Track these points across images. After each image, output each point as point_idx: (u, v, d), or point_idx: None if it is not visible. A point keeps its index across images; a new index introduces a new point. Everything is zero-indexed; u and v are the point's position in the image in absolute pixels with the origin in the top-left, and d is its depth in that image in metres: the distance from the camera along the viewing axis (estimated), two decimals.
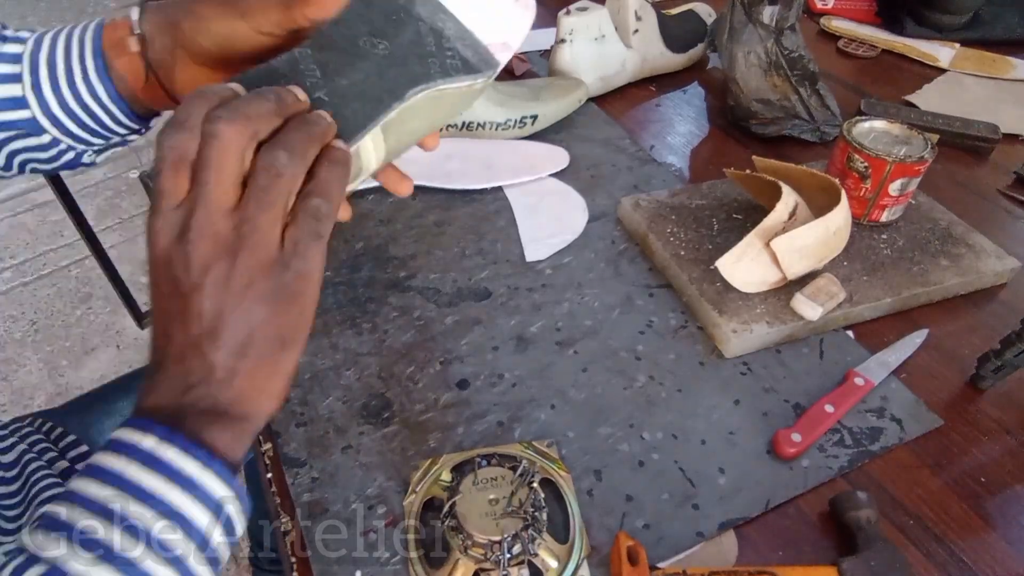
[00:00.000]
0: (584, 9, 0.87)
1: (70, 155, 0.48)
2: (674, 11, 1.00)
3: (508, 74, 0.95)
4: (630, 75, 0.95)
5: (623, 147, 0.84)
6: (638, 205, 0.70)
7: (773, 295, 0.60)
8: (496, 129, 0.80)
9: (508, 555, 0.41)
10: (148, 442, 0.28)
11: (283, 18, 0.37)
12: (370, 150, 0.45)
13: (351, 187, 0.45)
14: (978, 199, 0.78)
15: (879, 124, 0.69)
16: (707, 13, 1.02)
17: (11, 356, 1.72)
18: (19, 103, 0.44)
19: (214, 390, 0.30)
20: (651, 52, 0.95)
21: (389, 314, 0.61)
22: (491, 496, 0.43)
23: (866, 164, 0.65)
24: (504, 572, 0.41)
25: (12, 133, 0.45)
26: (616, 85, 0.94)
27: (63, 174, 1.72)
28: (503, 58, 0.51)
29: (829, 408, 0.52)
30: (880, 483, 0.49)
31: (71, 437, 0.67)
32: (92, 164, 0.50)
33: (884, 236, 0.68)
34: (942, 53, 1.07)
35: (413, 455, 0.50)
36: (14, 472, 0.59)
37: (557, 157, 0.80)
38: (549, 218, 0.72)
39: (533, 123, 0.82)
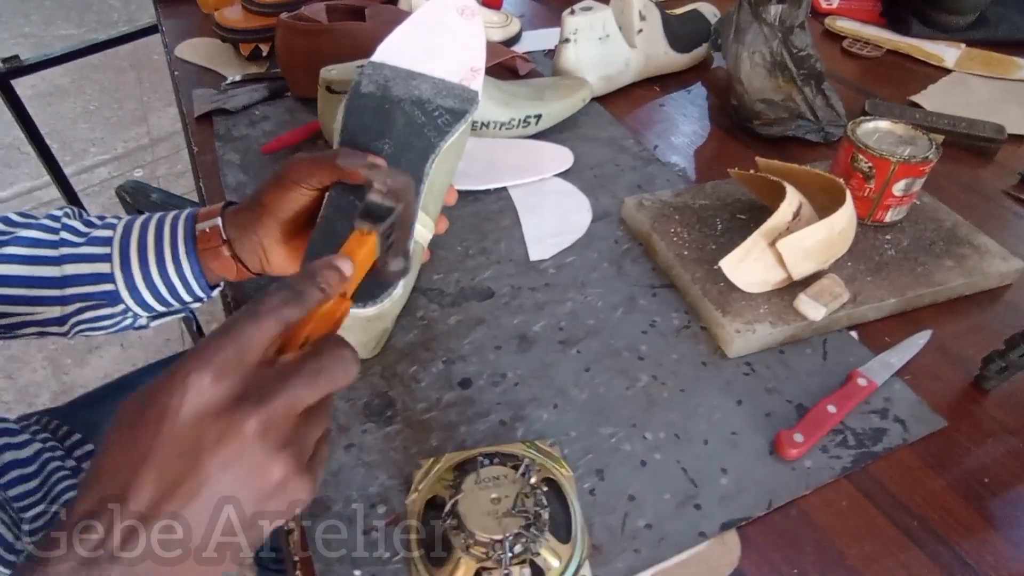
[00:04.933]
0: (588, 9, 0.87)
1: (129, 321, 0.55)
2: (678, 11, 1.00)
3: (512, 74, 0.95)
4: (634, 75, 0.94)
5: (627, 147, 0.84)
6: (642, 205, 0.70)
7: (776, 295, 0.60)
8: (500, 129, 0.80)
9: (510, 554, 0.41)
10: None
11: (315, 177, 0.48)
12: (422, 230, 0.49)
13: (423, 261, 0.55)
14: (983, 200, 0.78)
15: (884, 124, 0.69)
16: (711, 13, 1.01)
17: (16, 354, 1.73)
18: (105, 278, 0.52)
19: None
20: (655, 52, 0.94)
21: None
22: (493, 495, 0.43)
23: (870, 164, 0.65)
24: (506, 571, 0.41)
25: (89, 303, 0.52)
26: (620, 85, 0.94)
27: (66, 172, 1.73)
28: (477, 83, 0.53)
29: (831, 409, 0.52)
30: (883, 484, 0.49)
31: (77, 436, 0.67)
32: (145, 327, 0.58)
33: (888, 236, 0.67)
34: (947, 53, 1.07)
35: (415, 454, 0.50)
36: (33, 468, 0.59)
37: (561, 157, 0.80)
38: (553, 217, 0.72)
39: (537, 123, 0.82)
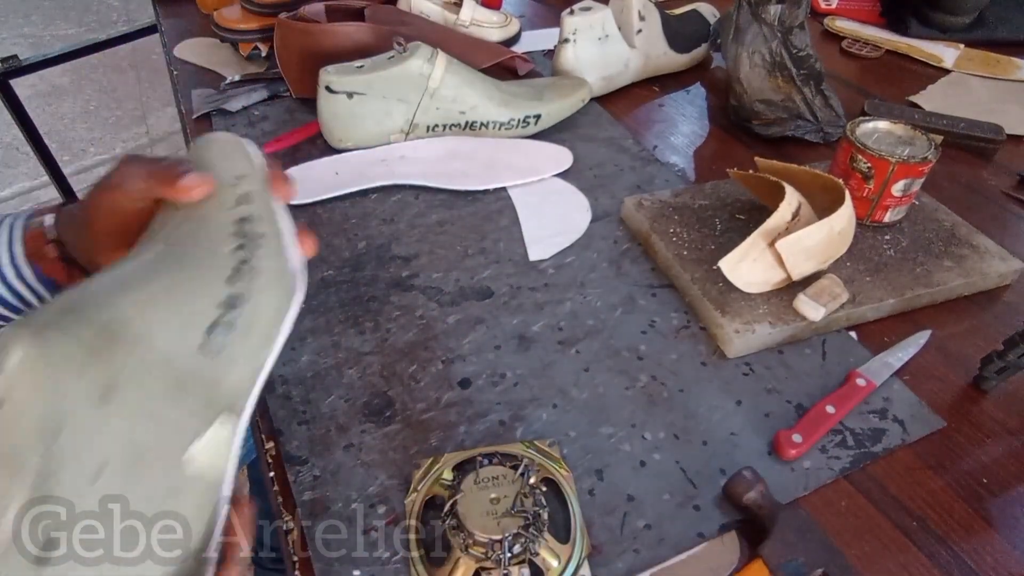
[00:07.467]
0: (588, 9, 0.87)
1: None
2: (677, 11, 1.00)
3: (511, 74, 0.95)
4: (633, 75, 0.94)
5: (626, 147, 0.84)
6: (641, 205, 0.70)
7: (776, 295, 0.60)
8: (499, 129, 0.80)
9: (509, 554, 0.41)
10: None
11: (145, 189, 0.41)
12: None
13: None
14: (982, 200, 0.78)
15: (883, 125, 0.69)
16: (710, 13, 1.02)
17: None
18: None
19: None
20: (654, 52, 0.95)
21: (391, 313, 0.61)
22: (492, 495, 0.43)
23: (869, 165, 0.65)
24: (505, 571, 0.41)
25: None
26: (619, 85, 0.94)
27: (65, 171, 1.72)
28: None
29: (830, 409, 0.52)
30: (882, 484, 0.49)
31: None
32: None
33: (887, 237, 0.67)
34: (946, 54, 1.07)
35: (415, 454, 0.50)
36: None
37: (561, 157, 0.80)
38: (552, 217, 0.72)
39: (536, 123, 0.82)
